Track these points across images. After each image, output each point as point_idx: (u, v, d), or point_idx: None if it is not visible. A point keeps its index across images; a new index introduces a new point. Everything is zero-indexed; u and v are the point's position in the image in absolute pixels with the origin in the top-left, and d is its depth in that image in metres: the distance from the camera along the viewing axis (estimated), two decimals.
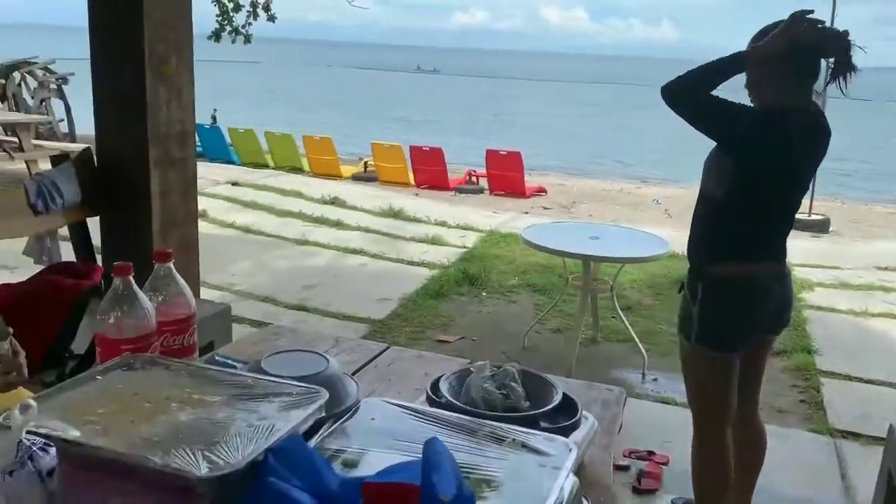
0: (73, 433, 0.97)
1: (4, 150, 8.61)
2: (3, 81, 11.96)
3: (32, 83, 12.27)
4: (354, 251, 6.62)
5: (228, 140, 13.14)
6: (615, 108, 37.88)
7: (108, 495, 0.96)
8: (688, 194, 11.48)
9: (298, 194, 8.87)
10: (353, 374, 1.62)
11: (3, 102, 11.89)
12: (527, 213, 9.50)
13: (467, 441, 1.17)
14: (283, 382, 1.15)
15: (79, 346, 2.52)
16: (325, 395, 1.11)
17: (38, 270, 2.87)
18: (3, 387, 1.80)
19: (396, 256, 6.48)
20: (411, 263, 6.30)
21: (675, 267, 5.89)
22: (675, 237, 4.93)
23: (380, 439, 1.18)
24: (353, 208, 8.37)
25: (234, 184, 9.18)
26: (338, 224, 7.59)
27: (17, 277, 2.83)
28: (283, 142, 12.84)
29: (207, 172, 9.10)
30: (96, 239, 3.28)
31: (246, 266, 5.99)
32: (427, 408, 1.28)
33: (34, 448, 0.90)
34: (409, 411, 1.25)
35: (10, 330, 1.79)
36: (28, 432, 0.92)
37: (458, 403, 1.33)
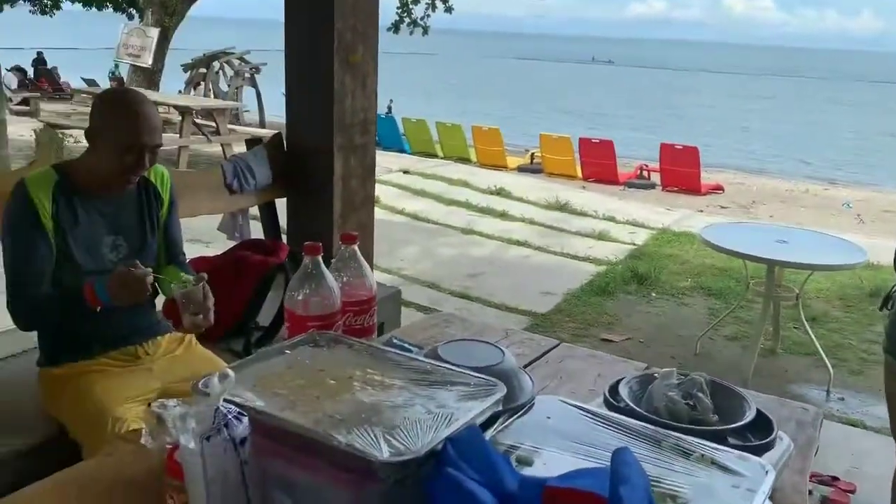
0: (264, 404, 1.01)
1: (203, 134, 9.41)
2: (203, 70, 13.08)
3: (229, 72, 13.32)
4: (518, 242, 6.60)
5: (401, 129, 13.55)
6: (800, 103, 35.22)
7: (292, 468, 0.99)
8: (883, 198, 10.45)
9: (465, 184, 8.98)
10: (524, 368, 1.58)
11: (194, 89, 13.00)
12: (702, 211, 9.03)
13: (650, 451, 1.10)
14: (461, 372, 1.13)
15: (264, 318, 2.67)
16: (503, 388, 1.08)
17: (229, 246, 3.08)
18: (191, 327, 1.94)
19: (561, 250, 6.39)
20: (576, 258, 6.18)
21: (868, 277, 5.37)
22: (870, 244, 4.49)
23: (555, 439, 1.14)
24: (519, 199, 8.34)
25: (405, 172, 9.45)
26: (503, 215, 7.60)
27: (211, 251, 3.06)
28: (453, 132, 13.06)
29: (381, 160, 9.39)
30: (282, 219, 3.48)
31: (413, 252, 6.14)
32: (606, 412, 1.22)
33: (230, 416, 0.93)
34: (586, 413, 1.20)
35: (205, 276, 1.93)
36: (225, 400, 0.96)
37: (639, 410, 1.26)
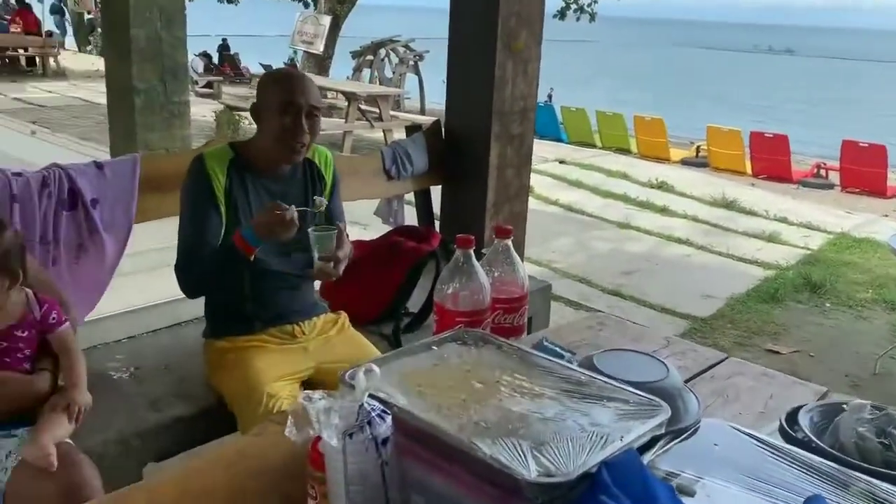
0: (408, 403, 0.97)
1: (367, 119, 9.69)
2: (370, 57, 13.50)
3: (394, 59, 13.67)
4: (679, 240, 6.28)
5: (560, 118, 13.32)
6: None
7: (432, 474, 0.94)
8: None
9: (624, 176, 8.68)
10: (685, 382, 1.46)
11: (355, 74, 13.42)
12: (887, 216, 8.20)
13: (835, 495, 0.96)
14: (620, 387, 1.03)
15: (413, 304, 2.67)
16: (667, 410, 0.98)
17: (384, 230, 3.12)
18: (320, 274, 1.96)
19: (726, 251, 6.01)
20: (743, 260, 5.79)
21: None
22: None
23: (721, 469, 1.02)
24: (681, 194, 7.96)
25: (562, 162, 9.27)
26: (663, 210, 7.27)
27: (367, 235, 3.11)
28: (613, 122, 12.69)
29: (537, 149, 9.28)
30: (436, 206, 3.48)
31: (565, 244, 6.00)
32: (783, 444, 1.08)
33: (373, 414, 0.90)
34: (761, 444, 1.06)
35: (342, 226, 1.98)
36: (370, 396, 0.93)
37: (822, 445, 1.11)
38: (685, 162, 11.42)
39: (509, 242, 1.41)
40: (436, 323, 1.36)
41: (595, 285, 5.06)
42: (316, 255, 1.93)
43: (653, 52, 59.84)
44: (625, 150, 11.90)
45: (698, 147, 11.85)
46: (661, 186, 8.20)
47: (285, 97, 1.95)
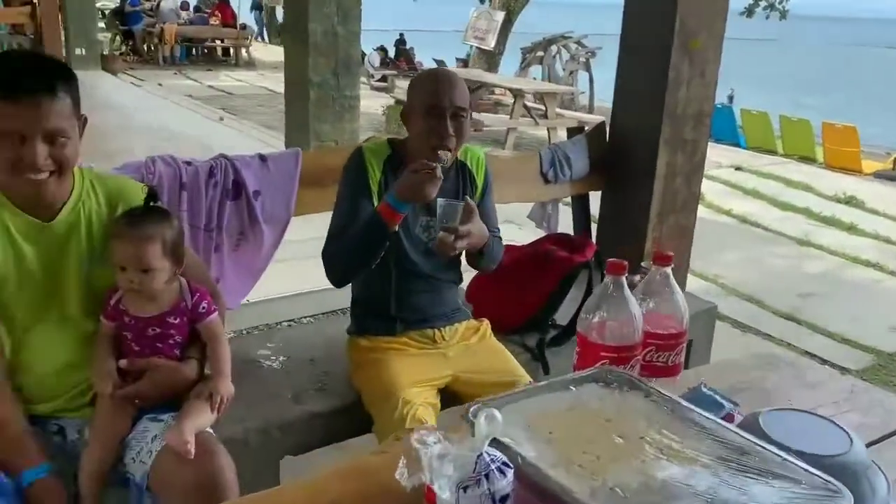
0: (535, 454, 0.86)
1: (531, 116, 9.58)
2: (541, 54, 13.35)
3: (565, 55, 13.43)
4: (867, 263, 5.66)
5: (739, 122, 12.50)
6: None
7: None
8: None
9: (807, 187, 8.00)
10: (868, 445, 1.24)
11: (523, 70, 13.27)
12: None
13: None
14: (790, 461, 0.87)
15: (561, 317, 2.55)
16: (849, 498, 0.81)
17: (538, 234, 3.01)
18: (439, 244, 1.87)
19: None
20: None
21: None
22: None
23: None
24: (873, 212, 7.20)
25: (737, 168, 8.69)
26: (850, 228, 6.60)
27: (520, 236, 3.01)
28: (799, 128, 11.71)
29: (711, 154, 8.74)
30: (594, 211, 3.31)
31: (735, 259, 5.59)
32: None
33: (492, 466, 0.80)
34: None
35: (471, 202, 1.91)
36: (491, 442, 0.83)
37: None
38: (879, 175, 10.32)
39: (669, 270, 1.26)
40: (577, 355, 1.23)
41: (767, 307, 4.66)
42: (439, 225, 1.88)
43: (839, 53, 54.94)
44: (809, 159, 10.96)
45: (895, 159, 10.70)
46: (850, 201, 7.47)
47: (429, 100, 1.92)
